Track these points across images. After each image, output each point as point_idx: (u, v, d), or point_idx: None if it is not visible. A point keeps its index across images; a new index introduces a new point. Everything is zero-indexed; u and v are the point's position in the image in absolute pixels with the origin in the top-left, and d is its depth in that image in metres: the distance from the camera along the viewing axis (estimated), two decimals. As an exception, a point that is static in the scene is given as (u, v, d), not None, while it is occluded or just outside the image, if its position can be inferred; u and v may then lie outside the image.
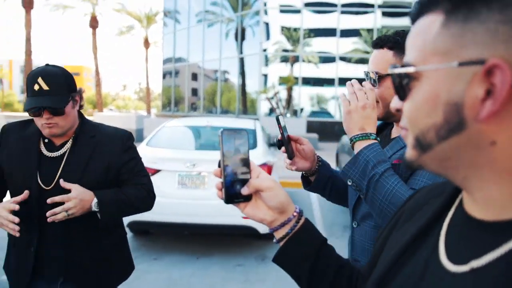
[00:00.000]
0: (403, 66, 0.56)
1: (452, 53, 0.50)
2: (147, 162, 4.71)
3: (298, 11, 21.14)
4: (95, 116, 19.16)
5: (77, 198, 1.64)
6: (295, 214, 0.87)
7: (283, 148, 1.42)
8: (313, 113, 21.71)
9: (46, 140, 1.80)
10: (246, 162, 0.83)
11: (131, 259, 2.07)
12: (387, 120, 1.47)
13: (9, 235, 1.83)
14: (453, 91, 0.50)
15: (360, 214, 1.45)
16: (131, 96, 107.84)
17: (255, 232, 4.66)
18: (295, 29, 21.39)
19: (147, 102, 39.26)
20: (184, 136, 5.59)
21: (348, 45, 21.11)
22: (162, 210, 4.54)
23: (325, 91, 21.89)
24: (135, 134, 18.32)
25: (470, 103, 0.49)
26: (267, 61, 21.89)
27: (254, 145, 5.18)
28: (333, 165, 9.86)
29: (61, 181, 1.67)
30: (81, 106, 1.84)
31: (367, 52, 21.07)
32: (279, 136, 1.41)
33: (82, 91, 1.84)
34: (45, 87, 1.67)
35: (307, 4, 21.02)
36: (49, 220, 1.62)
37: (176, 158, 4.72)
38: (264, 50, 21.51)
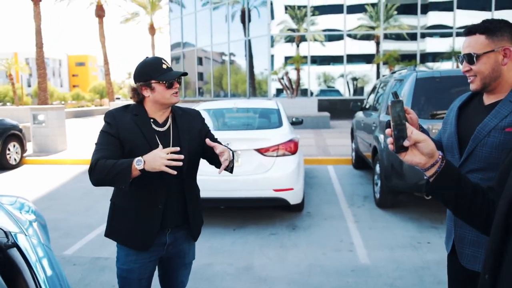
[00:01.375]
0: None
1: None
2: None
3: (303, -11, 21.17)
4: (110, 106, 19.49)
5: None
6: (440, 156, 1.24)
7: (388, 131, 1.24)
8: (322, 92, 21.96)
9: (152, 120, 2.21)
10: (403, 123, 1.20)
11: None
12: (482, 91, 1.79)
13: (124, 200, 2.21)
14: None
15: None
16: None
17: (286, 203, 5.07)
18: (299, 7, 21.47)
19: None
20: (215, 118, 5.99)
21: (354, 21, 21.20)
22: (200, 186, 4.95)
23: (334, 69, 22.09)
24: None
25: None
26: (273, 42, 22.05)
27: (279, 124, 5.57)
28: (348, 142, 10.24)
29: (207, 140, 2.17)
30: None
31: (373, 28, 21.18)
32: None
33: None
34: (169, 65, 2.20)
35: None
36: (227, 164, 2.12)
37: (210, 139, 5.12)
38: (270, 31, 21.65)
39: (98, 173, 2.04)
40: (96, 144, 2.18)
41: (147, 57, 2.24)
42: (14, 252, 2.07)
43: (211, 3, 24.98)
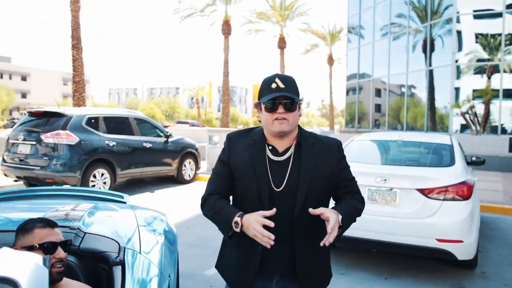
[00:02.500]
0: None
1: None
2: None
3: (498, 15, 18.92)
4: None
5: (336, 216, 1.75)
6: None
7: None
8: (517, 130, 19.02)
9: (270, 147, 1.93)
10: None
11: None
12: None
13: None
14: None
15: None
16: (315, 113, 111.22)
17: (452, 257, 4.23)
18: (493, 36, 19.17)
19: (330, 119, 39.95)
20: (374, 150, 5.45)
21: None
22: (352, 225, 4.48)
23: (532, 105, 18.99)
24: (318, 149, 18.75)
25: None
26: (459, 73, 20.10)
27: (451, 162, 4.75)
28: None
29: (310, 209, 1.77)
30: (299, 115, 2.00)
31: None
32: None
33: (301, 101, 1.99)
34: (281, 85, 1.84)
35: (510, 6, 18.65)
36: (327, 243, 1.72)
37: (366, 172, 4.61)
38: (456, 61, 19.79)
39: (206, 212, 1.93)
40: (212, 171, 2.03)
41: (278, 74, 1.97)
42: (117, 270, 2.00)
43: (391, 33, 24.16)
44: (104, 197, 3.69)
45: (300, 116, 1.97)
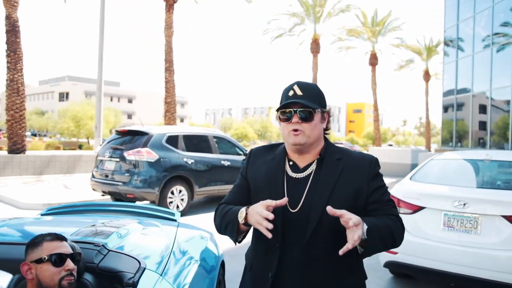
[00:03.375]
0: None
1: None
2: (408, 198, 4.27)
3: None
4: (370, 150, 19.42)
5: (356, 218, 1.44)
6: None
7: None
8: None
9: (291, 163, 1.73)
10: None
11: None
12: None
13: (248, 258, 1.83)
14: None
15: None
16: (412, 131, 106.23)
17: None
18: None
19: (427, 137, 37.66)
20: (455, 171, 4.84)
21: None
22: (424, 254, 3.99)
23: None
24: (410, 168, 17.65)
25: None
26: None
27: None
28: None
29: (329, 207, 1.46)
30: (327, 128, 1.76)
31: None
32: None
33: (331, 113, 1.77)
34: (299, 92, 1.66)
35: None
36: (353, 243, 1.41)
37: (443, 195, 4.10)
38: None
39: (216, 219, 1.77)
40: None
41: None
42: None
43: (493, 44, 22.23)
44: (155, 214, 3.67)
45: (327, 129, 1.75)
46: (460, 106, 25.73)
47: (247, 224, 1.55)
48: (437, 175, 4.68)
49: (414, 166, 17.59)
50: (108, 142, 8.95)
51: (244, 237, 1.70)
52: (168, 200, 8.31)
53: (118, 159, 8.35)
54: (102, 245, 2.25)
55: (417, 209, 4.14)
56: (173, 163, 8.46)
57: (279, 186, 1.67)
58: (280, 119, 1.68)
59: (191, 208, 8.82)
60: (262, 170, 1.75)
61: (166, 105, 17.77)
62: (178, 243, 2.76)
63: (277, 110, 1.68)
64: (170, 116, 17.68)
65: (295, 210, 1.62)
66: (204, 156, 9.12)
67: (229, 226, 1.65)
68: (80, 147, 32.27)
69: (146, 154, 8.15)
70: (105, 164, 8.65)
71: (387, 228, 1.59)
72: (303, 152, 1.69)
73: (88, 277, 2.02)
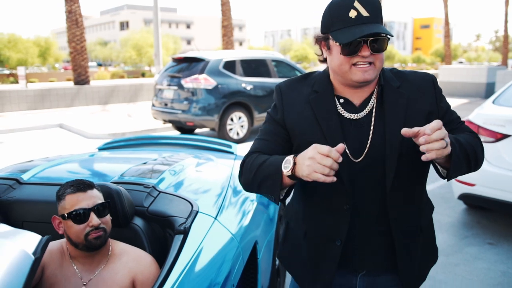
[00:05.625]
0: None
1: None
2: (491, 124, 3.79)
3: None
4: (440, 70, 18.10)
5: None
6: None
7: None
8: None
9: (342, 100, 1.35)
10: None
11: None
12: None
13: (289, 220, 1.54)
14: None
15: None
16: (485, 47, 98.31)
17: None
18: None
19: (504, 53, 34.52)
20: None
21: None
22: (507, 187, 3.59)
23: None
24: (484, 88, 16.33)
25: None
26: None
27: None
28: None
29: (404, 129, 1.14)
30: None
31: None
32: None
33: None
34: (365, 13, 1.21)
35: None
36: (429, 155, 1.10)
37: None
38: None
39: (246, 174, 1.36)
40: (259, 129, 1.49)
41: None
42: (177, 239, 1.70)
43: None
44: (212, 147, 3.51)
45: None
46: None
47: (294, 177, 1.19)
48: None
49: (489, 85, 16.22)
50: (165, 70, 8.85)
51: (287, 194, 1.33)
52: (228, 127, 8.22)
53: (176, 87, 8.27)
54: (152, 186, 2.10)
55: (501, 137, 3.68)
56: (231, 89, 8.25)
57: (337, 131, 1.31)
58: (342, 50, 1.24)
59: (252, 134, 8.70)
60: (309, 114, 1.35)
61: (223, 29, 17.32)
62: (234, 180, 2.58)
63: (343, 44, 1.22)
64: (227, 40, 17.28)
65: (359, 160, 1.30)
66: (263, 80, 8.80)
67: (268, 181, 1.26)
68: (143, 75, 32.97)
69: (204, 81, 7.97)
70: (164, 92, 8.61)
71: (467, 144, 1.28)
72: (362, 86, 1.32)
73: (138, 221, 1.88)
